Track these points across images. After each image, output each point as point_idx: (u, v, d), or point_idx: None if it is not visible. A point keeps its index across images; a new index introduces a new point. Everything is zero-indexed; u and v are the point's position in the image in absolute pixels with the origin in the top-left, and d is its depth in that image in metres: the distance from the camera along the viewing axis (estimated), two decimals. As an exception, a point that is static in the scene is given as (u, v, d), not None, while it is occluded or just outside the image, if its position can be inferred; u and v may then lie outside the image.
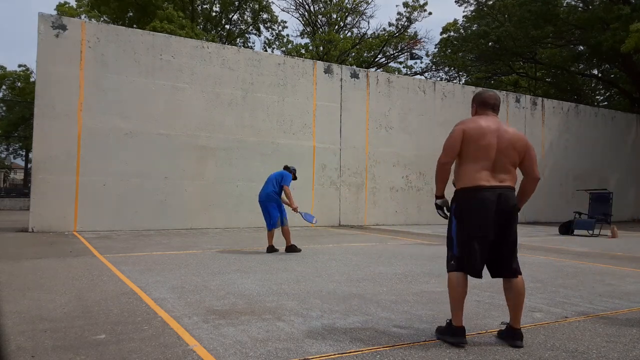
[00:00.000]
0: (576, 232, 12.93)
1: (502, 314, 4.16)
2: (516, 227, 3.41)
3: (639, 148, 21.55)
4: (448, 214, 3.51)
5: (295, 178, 8.34)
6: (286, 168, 8.36)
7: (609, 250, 9.17)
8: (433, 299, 4.73)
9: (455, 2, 28.64)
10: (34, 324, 3.65)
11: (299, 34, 50.09)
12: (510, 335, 3.35)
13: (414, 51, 33.30)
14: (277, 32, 33.25)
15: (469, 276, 3.39)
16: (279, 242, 8.21)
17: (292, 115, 13.85)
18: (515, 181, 3.45)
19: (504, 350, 3.23)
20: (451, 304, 3.36)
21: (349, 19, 33.22)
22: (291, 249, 8.00)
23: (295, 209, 8.02)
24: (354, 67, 17.85)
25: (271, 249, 8.01)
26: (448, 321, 3.39)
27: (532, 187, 3.53)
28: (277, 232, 8.07)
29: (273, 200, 7.93)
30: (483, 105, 3.54)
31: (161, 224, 11.95)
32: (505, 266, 3.37)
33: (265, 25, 32.95)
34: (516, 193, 3.50)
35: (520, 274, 3.39)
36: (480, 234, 3.28)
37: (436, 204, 3.58)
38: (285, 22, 49.74)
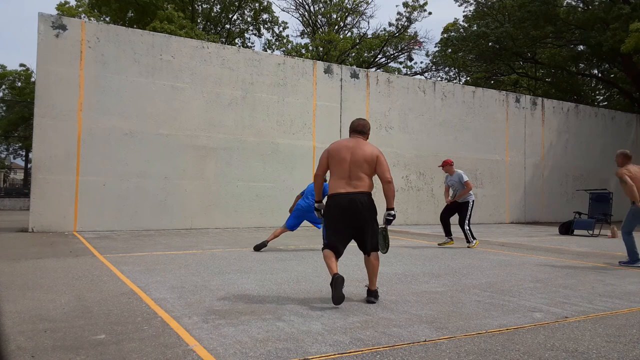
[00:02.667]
0: (576, 232, 12.93)
1: (502, 314, 4.16)
2: (372, 221, 4.50)
3: (639, 148, 21.54)
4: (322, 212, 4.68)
5: None
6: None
7: (609, 250, 9.16)
8: (433, 299, 4.73)
9: (455, 1, 28.65)
10: (34, 324, 3.64)
11: (299, 34, 50.13)
12: (368, 294, 4.59)
13: (414, 51, 33.35)
14: (278, 33, 33.26)
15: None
16: (279, 242, 8.20)
17: (292, 115, 13.85)
18: (371, 187, 4.52)
19: (504, 351, 3.23)
20: (327, 265, 4.48)
21: (349, 19, 33.25)
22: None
23: None
24: (354, 67, 17.85)
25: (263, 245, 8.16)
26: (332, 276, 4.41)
27: (387, 187, 4.52)
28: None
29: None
30: (352, 131, 4.67)
31: (161, 224, 11.96)
32: (364, 247, 4.58)
33: (266, 26, 32.95)
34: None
35: (376, 251, 4.59)
36: (337, 226, 4.50)
37: (315, 207, 4.77)
38: (286, 23, 49.66)
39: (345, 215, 4.43)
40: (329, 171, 4.62)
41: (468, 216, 9.29)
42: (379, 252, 4.65)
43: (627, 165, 7.34)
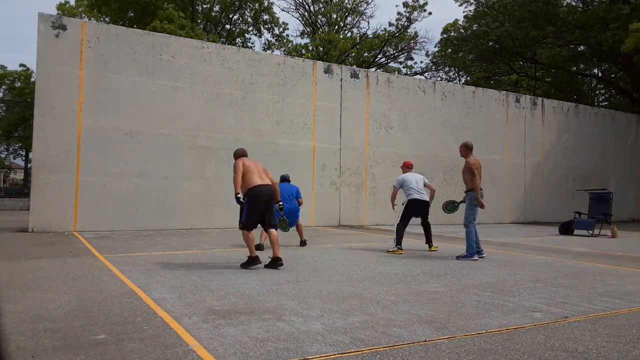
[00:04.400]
0: (576, 232, 12.93)
1: (502, 314, 4.16)
2: (273, 205, 6.57)
3: (639, 148, 21.55)
4: (243, 201, 6.42)
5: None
6: (286, 180, 9.27)
7: (609, 250, 9.16)
8: (433, 299, 4.73)
9: (455, 1, 28.66)
10: (34, 324, 3.65)
11: (299, 34, 50.12)
12: (274, 262, 6.36)
13: (413, 51, 33.35)
14: (278, 33, 33.25)
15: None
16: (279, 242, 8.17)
17: (292, 115, 13.84)
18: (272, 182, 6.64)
19: (504, 351, 3.23)
20: (248, 246, 6.37)
21: (349, 19, 33.22)
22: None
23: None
24: (354, 67, 17.85)
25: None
26: (248, 257, 6.40)
27: (277, 187, 6.78)
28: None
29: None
30: (239, 156, 6.77)
31: (161, 224, 11.95)
32: (267, 223, 6.48)
33: (266, 26, 32.94)
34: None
35: (275, 228, 6.57)
36: (257, 209, 6.37)
37: (237, 197, 6.42)
38: (286, 23, 49.64)
39: (262, 201, 6.39)
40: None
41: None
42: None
43: (469, 156, 7.65)
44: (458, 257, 7.63)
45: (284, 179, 9.21)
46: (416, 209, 8.53)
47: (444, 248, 9.24)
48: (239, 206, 6.60)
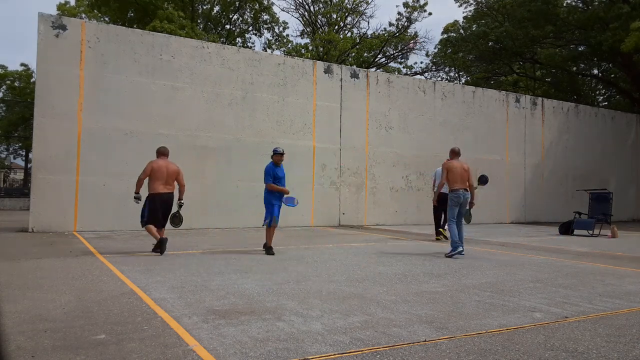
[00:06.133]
0: (576, 232, 12.93)
1: (502, 314, 4.16)
2: (171, 207, 7.70)
3: (639, 148, 21.55)
4: (140, 201, 7.56)
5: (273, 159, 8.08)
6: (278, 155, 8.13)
7: (609, 250, 9.16)
8: (433, 299, 4.73)
9: (455, 1, 28.65)
10: (34, 324, 3.65)
11: (299, 34, 50.11)
12: (160, 244, 7.45)
13: (413, 52, 33.35)
14: (278, 32, 33.26)
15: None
16: (279, 242, 8.18)
17: (292, 115, 13.84)
18: (174, 188, 7.74)
19: (504, 351, 3.23)
20: (152, 235, 7.47)
21: (349, 19, 33.21)
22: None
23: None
24: (354, 67, 17.85)
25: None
26: (154, 244, 7.55)
27: (183, 189, 7.98)
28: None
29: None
30: (160, 154, 7.84)
31: (161, 224, 11.93)
32: (162, 223, 7.56)
33: (266, 26, 32.95)
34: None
35: (163, 226, 7.67)
36: (156, 210, 7.47)
37: (135, 196, 7.62)
38: (286, 22, 49.66)
39: (160, 204, 7.55)
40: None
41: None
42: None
43: (453, 159, 8.36)
44: (446, 255, 7.96)
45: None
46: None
47: (443, 248, 9.24)
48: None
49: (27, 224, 10.89)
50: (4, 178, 54.91)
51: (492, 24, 26.15)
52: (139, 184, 7.58)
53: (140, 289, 4.92)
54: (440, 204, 9.64)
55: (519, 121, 18.09)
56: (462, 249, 7.94)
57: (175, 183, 7.83)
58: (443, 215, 10.59)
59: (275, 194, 7.88)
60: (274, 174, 7.86)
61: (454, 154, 8.42)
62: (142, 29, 17.01)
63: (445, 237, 10.11)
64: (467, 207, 8.22)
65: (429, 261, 7.38)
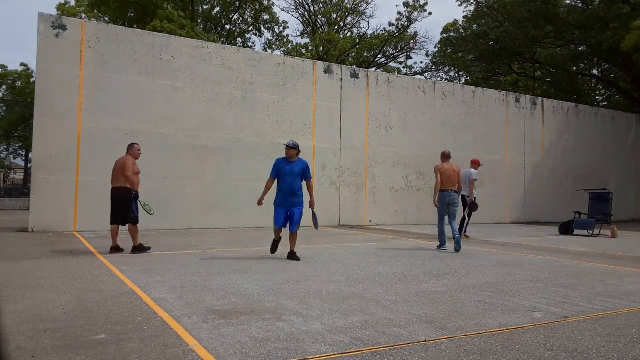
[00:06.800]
0: (576, 232, 12.93)
1: (502, 314, 4.16)
2: (123, 202, 7.52)
3: (639, 148, 21.55)
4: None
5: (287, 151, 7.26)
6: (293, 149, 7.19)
7: (609, 250, 9.16)
8: (433, 299, 4.73)
9: (455, 1, 28.65)
10: (34, 324, 3.65)
11: (299, 34, 50.10)
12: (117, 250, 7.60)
13: (414, 51, 33.37)
14: (278, 32, 33.25)
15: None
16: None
17: (292, 115, 13.84)
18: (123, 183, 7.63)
19: (504, 351, 3.23)
20: (112, 237, 7.65)
21: (349, 19, 33.21)
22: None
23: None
24: (354, 67, 17.84)
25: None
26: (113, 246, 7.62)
27: (126, 179, 7.69)
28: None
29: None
30: (129, 150, 7.95)
31: (161, 224, 11.94)
32: (120, 219, 7.52)
33: (266, 26, 32.94)
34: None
35: (131, 222, 7.59)
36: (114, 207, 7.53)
37: (137, 194, 7.62)
38: (286, 22, 49.66)
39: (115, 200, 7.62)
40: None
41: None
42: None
43: (444, 162, 8.98)
44: (437, 248, 8.94)
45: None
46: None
47: (445, 249, 9.24)
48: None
49: (27, 224, 10.89)
50: (4, 178, 54.92)
51: (492, 24, 26.15)
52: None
53: (140, 289, 4.92)
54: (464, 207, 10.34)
55: (519, 121, 18.09)
56: (445, 246, 8.77)
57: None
58: (467, 218, 11.01)
59: (281, 196, 7.11)
60: (278, 169, 7.11)
61: (445, 157, 9.01)
62: (142, 29, 17.02)
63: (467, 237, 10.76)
64: (457, 207, 8.89)
65: (429, 261, 7.38)
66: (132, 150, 8.00)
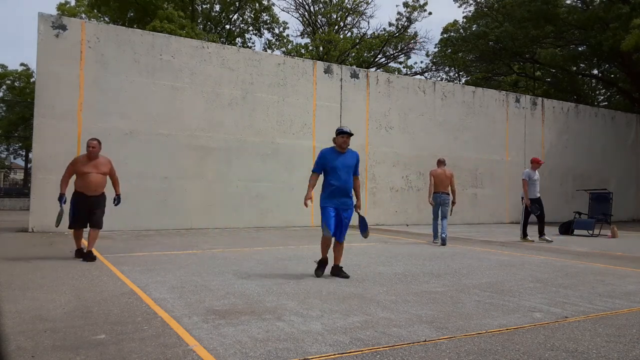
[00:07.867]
0: (576, 232, 12.92)
1: (502, 314, 4.16)
2: (101, 206, 7.12)
3: (639, 148, 21.54)
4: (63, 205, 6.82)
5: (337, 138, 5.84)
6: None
7: (609, 250, 9.16)
8: (433, 299, 4.73)
9: (455, 1, 28.67)
10: (34, 324, 3.65)
11: (299, 34, 50.11)
12: (85, 255, 6.83)
13: (414, 51, 33.38)
14: (278, 33, 33.25)
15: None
16: (279, 242, 8.17)
17: (292, 115, 13.84)
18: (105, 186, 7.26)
19: (504, 351, 3.23)
20: (75, 240, 7.10)
21: (349, 19, 33.22)
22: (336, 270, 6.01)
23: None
24: (354, 67, 17.84)
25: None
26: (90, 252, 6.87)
27: (117, 187, 7.56)
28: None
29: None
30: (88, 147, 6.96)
31: (161, 224, 11.95)
32: (92, 221, 6.95)
33: (266, 26, 32.94)
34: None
35: (100, 227, 7.07)
36: (82, 208, 6.82)
37: (60, 197, 6.83)
38: (287, 23, 49.66)
39: (85, 204, 6.90)
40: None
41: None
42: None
43: (438, 167, 9.93)
44: (430, 242, 9.91)
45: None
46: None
47: (444, 249, 9.24)
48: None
49: (27, 224, 10.89)
50: (4, 178, 54.90)
51: (492, 24, 26.15)
52: (65, 179, 7.09)
53: (140, 289, 4.92)
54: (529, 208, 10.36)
55: (519, 121, 18.08)
56: (437, 241, 9.77)
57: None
58: (539, 221, 10.76)
59: (333, 194, 5.76)
60: (325, 162, 5.73)
61: (440, 163, 10.07)
62: (142, 29, 17.01)
63: (532, 241, 10.33)
64: (448, 207, 9.71)
65: (429, 261, 7.38)
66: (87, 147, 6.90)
